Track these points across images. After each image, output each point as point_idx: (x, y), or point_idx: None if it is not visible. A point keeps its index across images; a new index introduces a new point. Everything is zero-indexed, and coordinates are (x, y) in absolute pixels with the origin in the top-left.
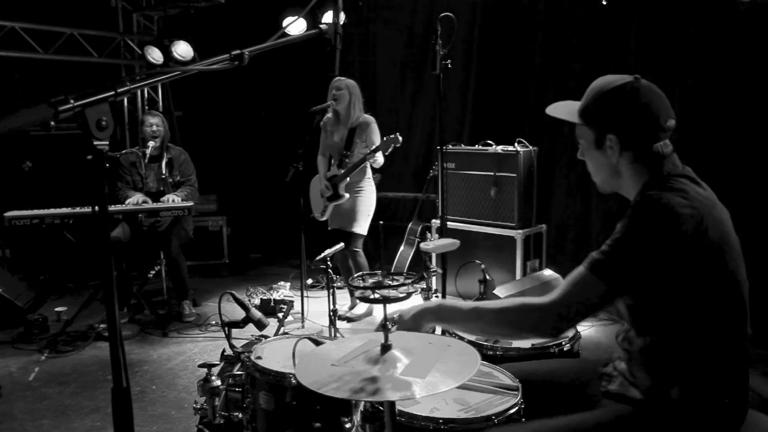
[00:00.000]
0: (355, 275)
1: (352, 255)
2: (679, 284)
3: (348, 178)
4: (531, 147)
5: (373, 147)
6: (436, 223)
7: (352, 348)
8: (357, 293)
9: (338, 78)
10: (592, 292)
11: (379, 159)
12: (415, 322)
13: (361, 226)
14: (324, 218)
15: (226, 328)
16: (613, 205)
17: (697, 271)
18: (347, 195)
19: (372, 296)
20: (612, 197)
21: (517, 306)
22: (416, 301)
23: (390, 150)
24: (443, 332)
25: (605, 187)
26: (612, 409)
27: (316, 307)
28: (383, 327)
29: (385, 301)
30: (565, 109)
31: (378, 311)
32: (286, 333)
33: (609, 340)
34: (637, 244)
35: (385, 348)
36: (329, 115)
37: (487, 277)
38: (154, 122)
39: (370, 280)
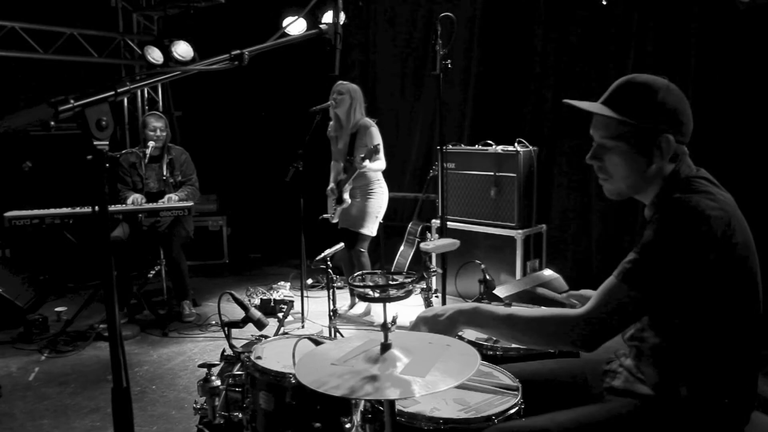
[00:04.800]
0: (355, 274)
1: (356, 255)
2: (706, 287)
3: (350, 184)
4: (531, 147)
5: (361, 156)
6: (436, 223)
7: (352, 347)
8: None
9: (340, 82)
10: (625, 301)
11: (375, 165)
12: (450, 324)
13: (369, 228)
14: (335, 220)
15: (226, 328)
16: (612, 204)
17: (724, 273)
18: (349, 200)
19: (371, 295)
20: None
21: (552, 316)
22: (417, 301)
23: (374, 158)
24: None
25: (628, 192)
26: (621, 403)
27: (316, 307)
28: (383, 327)
29: (385, 300)
30: (593, 106)
31: (376, 310)
32: (286, 333)
33: (610, 340)
34: (668, 249)
35: (385, 347)
36: (332, 122)
37: (487, 277)
38: (159, 126)
39: (370, 280)
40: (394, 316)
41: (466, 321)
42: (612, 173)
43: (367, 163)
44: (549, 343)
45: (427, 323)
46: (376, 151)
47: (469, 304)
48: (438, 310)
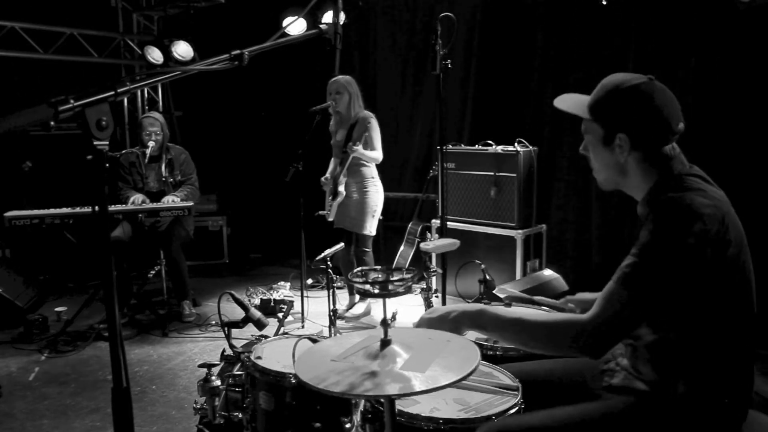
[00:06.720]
0: (354, 270)
1: (360, 254)
2: (701, 284)
3: (345, 176)
4: (531, 147)
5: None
6: (436, 223)
7: (352, 344)
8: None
9: (333, 80)
10: (627, 305)
11: (370, 154)
12: (454, 327)
13: (369, 227)
14: (331, 218)
15: (226, 328)
16: (612, 204)
17: (718, 271)
18: (344, 192)
19: (371, 291)
20: (613, 197)
21: (558, 323)
22: (417, 301)
23: (363, 139)
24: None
25: (607, 185)
26: (618, 400)
27: (316, 307)
28: (383, 323)
29: (385, 296)
30: (573, 103)
31: (377, 310)
32: (286, 333)
33: None
34: (665, 250)
35: (385, 343)
36: (334, 117)
37: (487, 277)
38: (153, 130)
39: (371, 276)
40: (393, 313)
41: (470, 324)
42: (593, 164)
43: (359, 147)
44: (555, 350)
45: (432, 326)
46: (365, 130)
47: (474, 306)
48: (442, 311)
